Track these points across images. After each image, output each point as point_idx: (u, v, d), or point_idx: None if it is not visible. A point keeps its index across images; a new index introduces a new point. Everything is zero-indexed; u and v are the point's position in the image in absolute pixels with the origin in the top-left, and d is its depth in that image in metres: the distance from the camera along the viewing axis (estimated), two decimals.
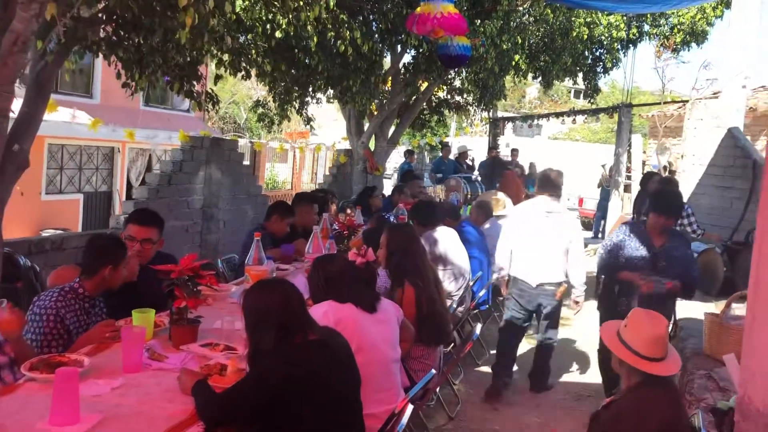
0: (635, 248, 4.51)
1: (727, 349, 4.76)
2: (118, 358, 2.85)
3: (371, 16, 8.28)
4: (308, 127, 10.02)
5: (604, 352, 4.49)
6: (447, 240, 5.35)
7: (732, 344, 4.71)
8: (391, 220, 6.70)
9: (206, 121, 19.04)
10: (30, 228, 12.81)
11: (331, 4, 6.09)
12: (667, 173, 13.54)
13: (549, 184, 5.06)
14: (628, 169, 13.02)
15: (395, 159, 17.69)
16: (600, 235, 14.40)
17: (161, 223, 3.85)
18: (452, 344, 4.79)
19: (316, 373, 2.42)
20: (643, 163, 14.24)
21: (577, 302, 5.10)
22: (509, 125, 17.28)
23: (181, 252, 7.42)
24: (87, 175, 14.67)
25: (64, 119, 11.61)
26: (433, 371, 3.33)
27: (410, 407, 2.71)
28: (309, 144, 22.65)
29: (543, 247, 4.94)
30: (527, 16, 9.44)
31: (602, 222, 14.56)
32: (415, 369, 3.76)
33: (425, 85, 10.76)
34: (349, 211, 7.38)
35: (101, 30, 4.51)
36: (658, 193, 4.58)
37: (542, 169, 5.45)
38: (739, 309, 5.45)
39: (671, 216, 4.46)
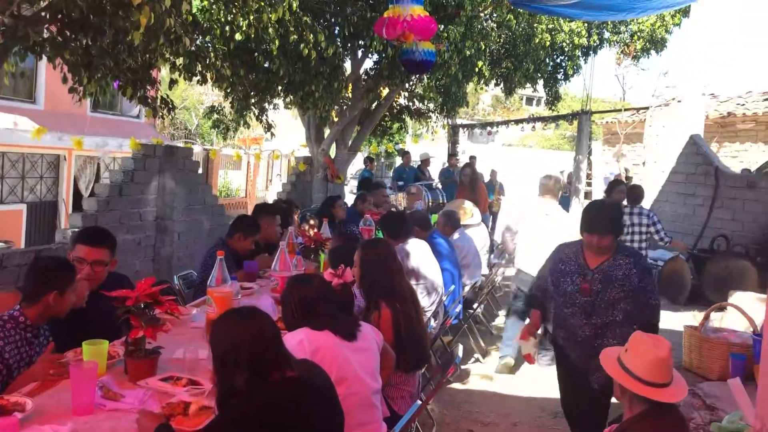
0: (565, 272, 3.70)
1: (709, 363, 4.67)
2: (67, 397, 2.51)
3: (334, 20, 8.01)
4: (268, 134, 9.66)
5: (568, 397, 3.97)
6: (419, 253, 5.12)
7: (714, 358, 4.62)
8: (355, 231, 6.45)
9: (157, 127, 18.44)
10: None
11: (294, 6, 5.80)
12: (624, 179, 13.65)
13: (548, 189, 5.91)
14: (588, 176, 13.06)
15: (356, 165, 17.46)
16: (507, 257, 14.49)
17: (113, 243, 3.47)
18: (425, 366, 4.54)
19: (296, 415, 2.14)
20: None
21: None
22: (463, 132, 17.23)
23: (133, 267, 7.09)
24: (30, 184, 13.99)
25: (6, 126, 11.00)
26: (419, 402, 3.08)
27: None
28: (263, 150, 22.24)
29: (542, 243, 5.26)
30: (490, 21, 9.31)
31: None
32: (393, 396, 3.50)
33: (386, 91, 10.54)
34: (312, 222, 7.09)
35: (45, 29, 4.12)
36: (587, 208, 3.75)
37: (542, 176, 6.11)
38: (716, 321, 5.38)
39: (606, 233, 3.54)
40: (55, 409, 2.44)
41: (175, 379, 2.77)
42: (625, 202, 7.54)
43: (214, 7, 5.76)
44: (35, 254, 5.66)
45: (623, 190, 7.58)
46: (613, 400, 3.20)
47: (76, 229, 6.29)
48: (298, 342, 2.75)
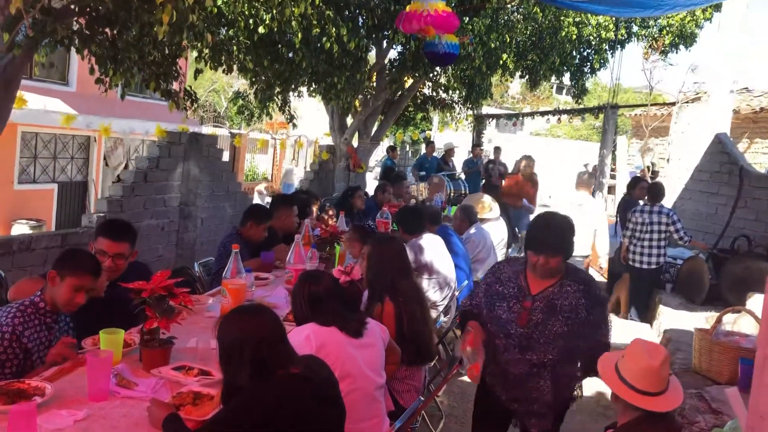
0: (502, 295, 3.09)
1: (718, 367, 4.68)
2: (84, 383, 2.64)
3: (357, 11, 8.05)
4: (291, 124, 9.76)
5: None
6: (433, 248, 5.18)
7: (724, 362, 4.63)
8: (372, 225, 6.50)
9: (186, 111, 18.64)
10: (2, 218, 12.44)
11: (317, 0, 5.87)
12: (650, 174, 13.52)
13: (583, 183, 7.23)
14: (613, 170, 12.95)
15: (379, 154, 17.49)
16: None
17: (134, 236, 3.58)
18: (437, 358, 4.61)
19: (298, 411, 2.23)
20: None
21: (602, 267, 7.58)
22: (490, 121, 17.14)
23: (156, 252, 7.26)
24: (62, 164, 14.28)
25: (39, 107, 11.24)
26: (421, 399, 3.16)
27: None
28: (290, 135, 22.38)
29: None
30: (516, 14, 9.26)
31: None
32: (399, 390, 3.58)
33: (410, 81, 10.56)
34: (331, 212, 7.19)
35: (74, 23, 4.24)
36: (534, 223, 3.11)
37: (580, 171, 7.81)
38: (729, 324, 5.37)
39: (555, 253, 2.94)
40: (72, 395, 2.57)
41: (186, 368, 2.88)
42: (639, 199, 7.60)
43: (238, 1, 5.85)
44: (62, 238, 5.83)
45: (645, 186, 7.57)
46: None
47: (102, 214, 6.47)
48: (305, 337, 2.84)
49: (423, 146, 20.75)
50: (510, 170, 15.50)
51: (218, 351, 2.33)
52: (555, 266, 2.97)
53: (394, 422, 3.12)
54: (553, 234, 2.98)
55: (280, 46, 6.83)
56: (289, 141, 19.75)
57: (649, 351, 2.56)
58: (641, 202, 7.64)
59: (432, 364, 4.51)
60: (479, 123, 15.79)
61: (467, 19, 8.29)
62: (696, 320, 6.53)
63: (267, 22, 5.87)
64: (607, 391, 5.56)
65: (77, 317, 3.19)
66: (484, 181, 14.00)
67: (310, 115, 23.40)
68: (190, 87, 5.82)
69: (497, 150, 15.36)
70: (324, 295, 2.99)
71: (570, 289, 2.99)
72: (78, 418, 2.37)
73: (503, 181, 10.55)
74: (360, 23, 8.09)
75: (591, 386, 5.70)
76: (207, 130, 13.90)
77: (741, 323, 5.40)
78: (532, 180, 9.97)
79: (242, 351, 2.24)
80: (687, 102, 10.34)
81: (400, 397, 3.58)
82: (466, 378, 5.57)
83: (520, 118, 16.01)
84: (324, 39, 6.53)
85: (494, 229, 7.33)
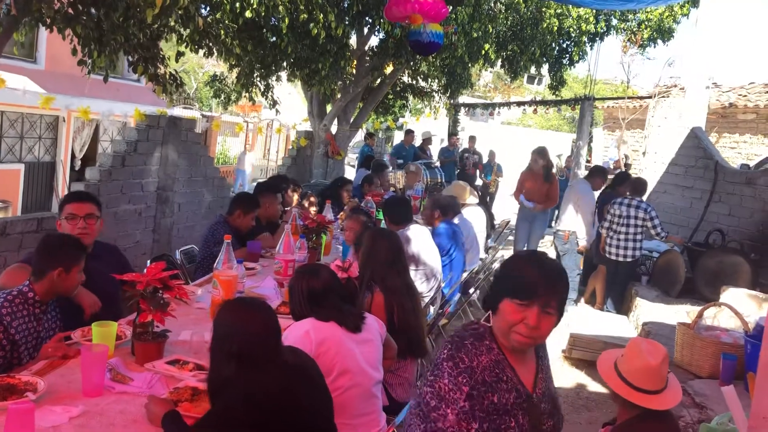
0: (503, 409, 1.92)
1: (701, 361, 4.76)
2: (75, 377, 2.57)
3: None
4: (274, 110, 9.62)
5: None
6: (420, 239, 5.16)
7: (706, 357, 4.71)
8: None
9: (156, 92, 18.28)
10: None
11: None
12: (623, 166, 13.69)
13: (591, 174, 8.01)
14: (588, 162, 13.08)
15: (355, 140, 17.37)
16: (553, 224, 14.49)
17: (99, 202, 3.59)
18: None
19: (286, 402, 2.20)
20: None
21: (584, 247, 7.64)
22: (464, 110, 17.14)
23: (133, 237, 7.12)
24: (29, 144, 13.91)
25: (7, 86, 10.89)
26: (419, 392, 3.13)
27: None
28: (262, 119, 22.12)
29: (562, 208, 7.75)
30: (498, 3, 9.24)
31: (556, 211, 14.64)
32: (391, 383, 3.56)
33: (391, 68, 10.49)
34: (312, 199, 7.12)
35: (56, 2, 4.09)
36: (513, 261, 2.12)
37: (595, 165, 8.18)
38: (709, 319, 5.47)
39: (560, 305, 1.97)
40: (65, 389, 2.49)
41: (181, 363, 2.82)
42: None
43: None
44: (37, 222, 5.67)
45: (630, 182, 7.65)
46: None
47: None
48: (305, 332, 2.79)
49: (395, 134, 20.73)
50: (483, 159, 15.59)
51: (212, 338, 2.29)
52: (545, 331, 1.96)
53: (388, 416, 3.11)
54: (559, 276, 2.00)
55: (264, 30, 6.70)
56: (262, 124, 19.49)
57: (649, 350, 2.56)
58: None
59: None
60: (456, 112, 15.79)
61: (451, 8, 8.24)
62: (672, 313, 6.65)
63: (254, 5, 5.74)
64: (588, 383, 5.67)
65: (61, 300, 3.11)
66: (458, 170, 14.04)
67: (285, 101, 23.14)
68: (176, 71, 5.68)
69: (472, 139, 15.40)
70: (322, 289, 2.94)
71: (547, 364, 2.18)
72: (73, 415, 2.30)
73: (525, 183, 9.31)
74: (344, 8, 7.98)
75: (572, 378, 5.77)
76: (176, 111, 13.63)
77: (720, 318, 5.50)
78: (547, 176, 8.22)
79: (230, 343, 2.20)
80: (663, 96, 10.45)
81: (393, 391, 3.56)
82: None
83: (497, 108, 16.01)
84: (311, 25, 6.42)
85: (475, 216, 7.32)
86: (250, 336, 2.22)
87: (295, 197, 6.77)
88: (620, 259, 7.14)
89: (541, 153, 8.38)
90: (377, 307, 3.53)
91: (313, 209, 6.71)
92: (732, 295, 5.98)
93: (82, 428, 2.23)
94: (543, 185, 8.22)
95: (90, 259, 3.22)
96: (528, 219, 8.53)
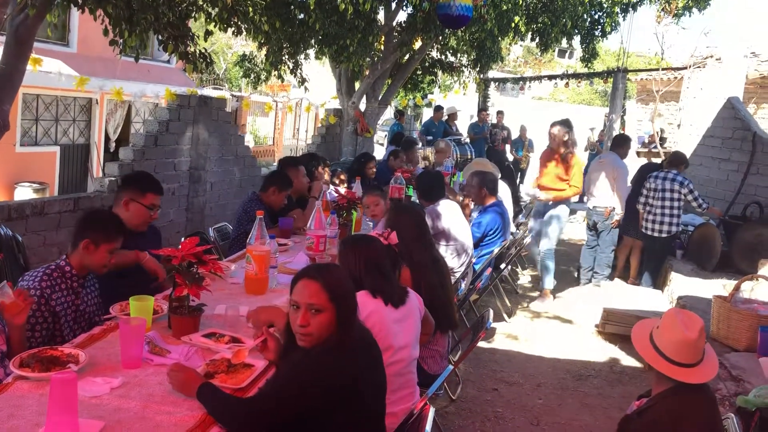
0: None
1: (737, 334, 4.69)
2: (115, 350, 2.64)
3: None
4: (303, 88, 9.61)
5: None
6: (450, 215, 5.15)
7: (742, 329, 4.64)
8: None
9: (187, 72, 18.41)
10: (4, 181, 12.37)
11: None
12: (659, 140, 13.43)
13: (617, 144, 7.63)
14: None
15: (382, 118, 17.30)
16: (585, 199, 14.28)
17: None
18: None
19: (359, 377, 2.23)
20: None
21: (618, 221, 7.27)
22: (494, 86, 16.92)
23: (167, 216, 7.22)
24: (64, 127, 14.15)
25: (41, 69, 11.06)
26: (451, 366, 3.15)
27: (432, 410, 2.53)
28: (291, 98, 22.15)
29: (596, 183, 7.30)
30: None
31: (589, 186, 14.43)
32: (423, 356, 3.57)
33: (419, 44, 10.39)
34: (342, 177, 7.13)
35: None
36: None
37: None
38: (746, 292, 5.38)
39: None
40: (105, 362, 2.56)
41: (217, 335, 2.86)
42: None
43: None
44: (74, 202, 5.78)
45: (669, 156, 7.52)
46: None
47: (113, 178, 6.40)
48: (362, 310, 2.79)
49: (424, 111, 20.58)
50: (512, 135, 15.41)
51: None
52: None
53: (422, 389, 3.13)
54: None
55: (292, 7, 6.68)
56: (292, 103, 19.51)
57: (685, 322, 2.50)
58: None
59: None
60: (486, 87, 15.61)
61: None
62: (708, 287, 6.55)
63: None
64: (621, 357, 5.64)
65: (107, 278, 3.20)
66: (488, 146, 13.92)
67: (312, 78, 23.13)
68: (205, 49, 5.70)
69: (500, 114, 15.23)
70: (380, 257, 2.95)
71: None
72: (114, 386, 2.36)
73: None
74: None
75: (605, 352, 5.75)
76: (206, 92, 13.72)
77: (758, 290, 5.41)
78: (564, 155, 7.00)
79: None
80: (698, 66, 10.20)
81: (425, 363, 3.58)
82: (481, 344, 5.60)
83: (528, 83, 15.78)
84: (339, 0, 6.37)
85: (501, 191, 7.22)
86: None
87: (326, 175, 6.78)
88: (656, 234, 7.01)
89: (560, 124, 7.04)
90: (405, 283, 3.54)
91: (343, 187, 6.73)
92: None
93: (123, 398, 2.29)
94: (557, 166, 6.99)
95: (139, 237, 3.52)
96: (539, 213, 7.33)
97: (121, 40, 4.61)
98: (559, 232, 7.25)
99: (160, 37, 4.69)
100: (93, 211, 3.23)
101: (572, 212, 13.37)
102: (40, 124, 13.46)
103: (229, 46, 27.21)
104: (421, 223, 3.88)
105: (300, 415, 2.17)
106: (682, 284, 6.75)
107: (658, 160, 9.76)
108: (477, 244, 5.80)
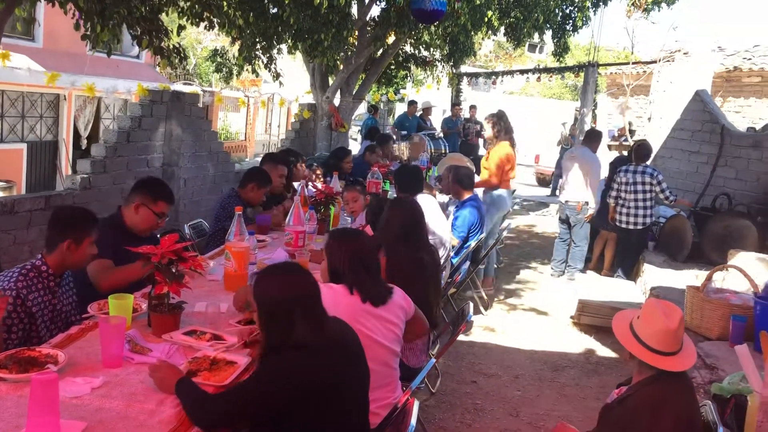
0: None
1: (710, 323, 4.78)
2: (94, 349, 2.60)
3: None
4: (277, 83, 9.54)
5: None
6: (428, 209, 5.12)
7: (715, 319, 4.73)
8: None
9: (157, 68, 18.15)
10: None
11: None
12: (628, 133, 13.62)
13: (589, 138, 7.83)
14: None
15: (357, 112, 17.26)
16: (557, 193, 14.40)
17: None
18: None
19: (334, 375, 2.22)
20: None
21: (591, 215, 7.44)
22: (466, 80, 16.98)
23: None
24: (30, 124, 13.85)
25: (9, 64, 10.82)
26: (433, 360, 3.16)
27: (416, 404, 2.54)
28: (262, 93, 21.98)
29: (568, 178, 7.52)
30: None
31: (560, 180, 14.57)
32: (402, 350, 3.57)
33: (392, 38, 10.38)
34: (318, 172, 7.11)
35: None
36: None
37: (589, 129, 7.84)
38: (718, 282, 5.48)
39: None
40: (85, 361, 2.52)
41: (198, 333, 2.84)
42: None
43: None
44: (45, 200, 5.68)
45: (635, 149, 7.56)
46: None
47: (85, 175, 6.30)
48: (332, 298, 2.77)
49: (397, 105, 20.58)
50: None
51: (259, 310, 2.29)
52: None
53: (404, 383, 3.14)
54: None
55: (266, 1, 6.61)
56: (264, 98, 19.37)
57: (665, 312, 2.57)
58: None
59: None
60: (459, 81, 15.67)
61: None
62: (680, 277, 6.67)
63: None
64: (597, 348, 5.71)
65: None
66: (461, 140, 13.98)
67: (285, 73, 22.97)
68: (179, 44, 5.63)
69: (473, 108, 15.30)
70: (364, 254, 2.93)
71: None
72: (95, 386, 2.33)
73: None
74: None
75: (581, 343, 5.82)
76: (177, 88, 13.57)
77: (729, 280, 5.52)
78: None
79: (285, 309, 2.22)
80: (667, 60, 10.35)
81: (404, 357, 3.58)
82: (459, 337, 5.63)
83: (500, 78, 15.88)
84: None
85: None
86: (307, 298, 2.26)
87: (303, 168, 6.75)
88: (630, 227, 7.10)
89: (489, 116, 7.11)
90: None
91: (319, 182, 6.71)
92: (739, 258, 5.99)
93: (105, 398, 2.26)
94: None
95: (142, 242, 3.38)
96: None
97: (92, 35, 4.52)
98: (493, 222, 6.85)
99: (133, 32, 4.61)
100: (62, 209, 3.14)
101: (545, 205, 13.57)
102: (5, 121, 13.17)
103: (199, 41, 26.91)
104: (412, 220, 3.87)
105: (273, 413, 2.18)
106: (655, 275, 6.86)
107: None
108: (466, 240, 5.85)
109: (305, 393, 2.16)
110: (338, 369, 2.24)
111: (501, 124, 6.95)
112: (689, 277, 6.57)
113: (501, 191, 6.89)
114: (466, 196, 6.09)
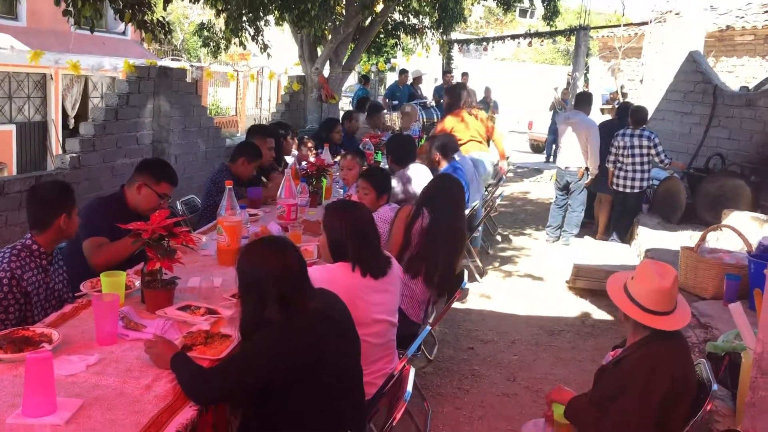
0: None
1: (705, 283, 4.81)
2: (88, 327, 2.59)
3: None
4: (266, 55, 9.41)
5: None
6: (421, 178, 5.13)
7: (709, 278, 4.75)
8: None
9: (143, 44, 17.93)
10: None
11: None
12: (620, 96, 13.56)
13: (582, 102, 7.67)
14: None
15: (348, 83, 17.13)
16: (551, 159, 14.37)
17: None
18: None
19: (321, 345, 2.22)
20: None
21: (591, 180, 7.38)
22: (457, 47, 16.82)
23: None
24: (18, 105, 13.72)
25: None
26: (428, 328, 3.17)
27: (413, 371, 2.55)
28: (251, 67, 21.74)
29: (565, 143, 7.49)
30: None
31: (554, 146, 14.51)
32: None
33: (381, 6, 10.23)
34: (309, 144, 7.06)
35: None
36: None
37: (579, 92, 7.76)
38: (712, 242, 5.50)
39: None
40: (79, 339, 2.52)
41: (192, 308, 2.83)
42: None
43: None
44: (35, 181, 5.63)
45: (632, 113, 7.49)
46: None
47: (74, 154, 6.25)
48: (329, 279, 2.75)
49: (388, 75, 20.42)
50: (479, 97, 15.38)
51: (239, 283, 2.27)
52: None
53: (400, 350, 3.14)
54: None
55: None
56: (253, 71, 19.17)
57: (659, 272, 2.56)
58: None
59: None
60: (449, 49, 15.52)
61: None
62: (674, 239, 6.69)
63: None
64: (593, 311, 5.74)
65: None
66: None
67: (273, 46, 22.71)
68: (163, 17, 5.53)
69: (464, 75, 15.16)
70: (364, 226, 2.90)
71: None
72: (90, 363, 2.33)
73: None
74: None
75: (576, 307, 5.85)
76: (165, 63, 13.42)
77: (723, 240, 5.54)
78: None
79: (265, 285, 2.19)
80: (659, 21, 10.26)
81: (403, 305, 3.59)
82: (455, 305, 5.65)
83: (491, 44, 15.74)
84: None
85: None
86: (286, 277, 2.22)
87: (294, 142, 6.70)
88: (628, 190, 7.09)
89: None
90: (402, 216, 3.83)
91: (311, 154, 6.66)
92: (733, 218, 6.00)
93: (100, 375, 2.26)
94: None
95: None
96: None
97: (74, 11, 4.43)
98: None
99: (115, 6, 4.52)
100: (42, 187, 3.10)
101: (539, 172, 13.54)
102: None
103: (186, 15, 26.53)
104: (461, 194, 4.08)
105: (264, 384, 2.18)
106: (649, 237, 6.88)
107: None
108: None
109: (292, 367, 2.16)
110: (324, 343, 2.22)
111: (469, 97, 7.36)
112: (683, 239, 6.59)
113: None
114: (444, 166, 6.01)
